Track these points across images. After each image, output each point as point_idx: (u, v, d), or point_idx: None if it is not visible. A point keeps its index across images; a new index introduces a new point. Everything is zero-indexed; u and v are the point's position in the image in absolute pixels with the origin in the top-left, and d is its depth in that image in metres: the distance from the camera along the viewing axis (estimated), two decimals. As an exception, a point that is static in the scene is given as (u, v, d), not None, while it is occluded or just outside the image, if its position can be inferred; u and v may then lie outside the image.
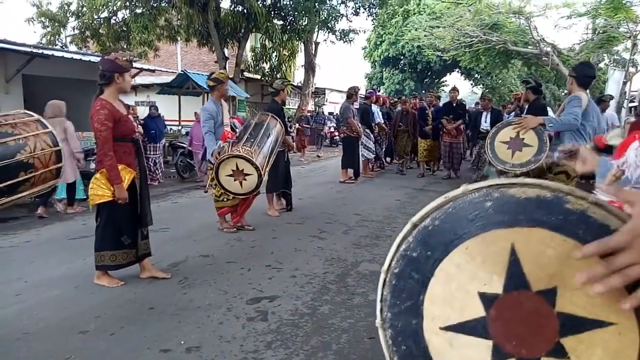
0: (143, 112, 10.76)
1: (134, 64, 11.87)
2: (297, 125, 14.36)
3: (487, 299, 0.84)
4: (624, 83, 14.54)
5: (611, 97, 9.69)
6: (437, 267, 0.89)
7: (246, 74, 17.08)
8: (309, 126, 16.07)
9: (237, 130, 5.30)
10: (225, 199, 5.02)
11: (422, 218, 0.91)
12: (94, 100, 3.35)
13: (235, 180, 4.63)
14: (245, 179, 4.61)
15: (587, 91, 3.99)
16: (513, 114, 10.69)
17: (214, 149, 4.75)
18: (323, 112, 18.37)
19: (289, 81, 7.02)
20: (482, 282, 0.84)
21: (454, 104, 9.67)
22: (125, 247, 3.50)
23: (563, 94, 26.81)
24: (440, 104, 10.73)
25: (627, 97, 15.25)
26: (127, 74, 3.43)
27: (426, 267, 0.90)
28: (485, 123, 8.66)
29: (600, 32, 11.86)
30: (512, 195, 0.83)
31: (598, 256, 0.72)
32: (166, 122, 10.56)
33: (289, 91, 6.53)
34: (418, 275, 0.90)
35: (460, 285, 0.86)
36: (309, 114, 17.34)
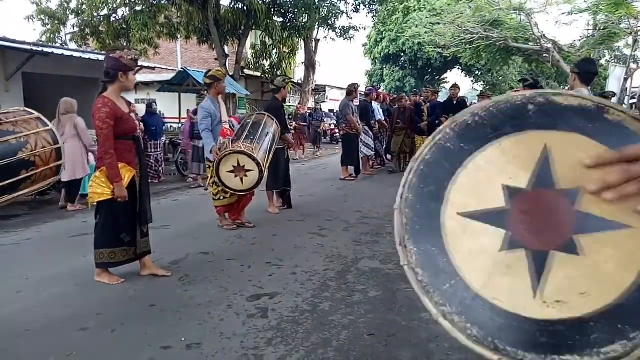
0: (143, 109, 10.76)
1: (134, 62, 11.89)
2: (294, 123, 14.25)
3: (510, 192, 0.86)
4: (625, 79, 14.51)
5: (613, 94, 9.66)
6: (468, 158, 0.91)
7: (246, 71, 17.06)
8: (306, 124, 15.94)
9: (235, 129, 5.30)
10: (222, 197, 5.02)
11: (464, 114, 0.94)
12: (96, 97, 3.35)
13: (236, 176, 4.64)
14: (246, 175, 4.62)
15: (589, 88, 3.99)
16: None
17: (213, 146, 4.75)
18: (320, 109, 17.83)
19: (290, 79, 7.06)
20: (508, 176, 0.87)
21: (455, 102, 9.31)
22: (125, 244, 3.50)
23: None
24: (439, 100, 10.52)
25: (628, 94, 15.23)
26: (131, 73, 3.42)
27: (458, 158, 0.92)
28: None
29: (601, 28, 11.84)
30: (555, 101, 0.86)
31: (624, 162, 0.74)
32: (166, 120, 10.56)
33: (290, 89, 6.54)
34: (448, 165, 0.93)
35: (487, 177, 0.89)
36: (306, 112, 17.07)
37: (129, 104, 3.62)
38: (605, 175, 0.75)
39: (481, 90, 8.37)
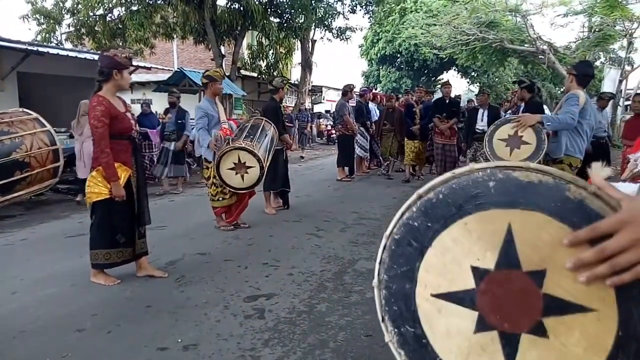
0: (139, 110, 10.72)
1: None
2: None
3: (478, 273, 0.87)
4: (620, 81, 14.61)
5: (612, 96, 9.63)
6: (435, 238, 0.92)
7: (243, 71, 17.04)
8: (291, 125, 15.63)
9: (234, 132, 5.31)
10: (221, 198, 5.01)
11: (428, 190, 0.94)
12: (91, 96, 3.33)
13: (236, 173, 4.65)
14: (247, 172, 4.63)
15: (585, 90, 4.01)
16: (510, 112, 10.71)
17: (209, 140, 4.75)
18: (306, 110, 17.04)
19: (288, 79, 7.07)
20: (475, 257, 0.88)
21: (447, 100, 8.49)
22: (120, 245, 3.48)
23: (559, 92, 26.90)
24: (432, 101, 9.63)
25: (622, 95, 15.33)
26: (125, 71, 3.40)
27: (425, 237, 0.93)
28: (481, 122, 7.55)
29: (597, 30, 11.91)
30: (516, 178, 0.86)
31: (588, 244, 0.75)
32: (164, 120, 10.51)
33: (287, 89, 6.56)
34: (416, 244, 0.94)
35: (455, 257, 0.90)
36: (292, 112, 16.44)
37: (125, 103, 3.60)
38: (579, 254, 0.75)
39: (480, 87, 7.86)
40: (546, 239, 0.81)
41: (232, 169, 4.65)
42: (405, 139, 8.98)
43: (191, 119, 6.86)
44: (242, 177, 4.66)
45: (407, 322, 0.95)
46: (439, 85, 31.77)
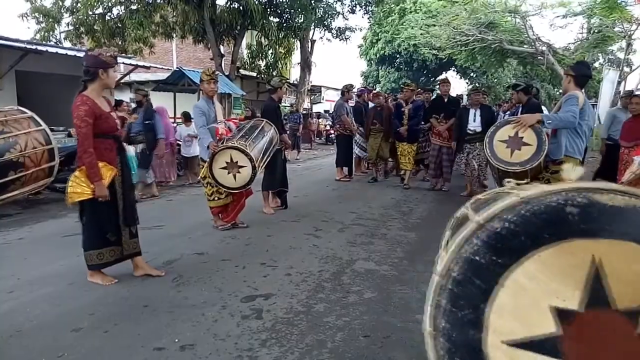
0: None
1: (130, 61, 11.84)
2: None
3: (561, 315, 0.76)
4: (619, 82, 14.62)
5: (631, 93, 9.01)
6: (505, 275, 0.80)
7: (242, 71, 17.03)
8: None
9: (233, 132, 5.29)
10: (216, 198, 5.00)
11: (491, 218, 0.82)
12: (76, 96, 3.28)
13: (229, 173, 4.63)
14: (239, 172, 4.61)
15: (583, 91, 4.01)
16: (509, 112, 10.69)
17: (210, 141, 4.75)
18: (297, 111, 15.85)
19: (287, 79, 7.06)
20: (557, 297, 0.76)
21: (446, 99, 7.80)
22: (112, 243, 3.47)
23: (558, 93, 26.93)
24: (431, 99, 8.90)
25: (621, 97, 15.33)
26: (111, 70, 3.37)
27: (493, 275, 0.80)
28: (473, 122, 6.97)
29: (595, 31, 11.92)
30: (598, 202, 0.74)
31: None
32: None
33: (286, 89, 6.55)
34: (482, 283, 0.81)
35: (532, 297, 0.78)
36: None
37: (110, 103, 3.57)
38: None
39: (475, 85, 6.84)
40: None
41: (224, 168, 4.64)
42: (396, 142, 8.33)
43: (174, 120, 6.53)
44: (235, 176, 4.64)
45: None
46: (438, 87, 31.90)
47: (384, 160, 8.89)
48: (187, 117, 9.07)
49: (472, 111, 7.04)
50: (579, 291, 0.74)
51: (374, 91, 9.54)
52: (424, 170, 9.18)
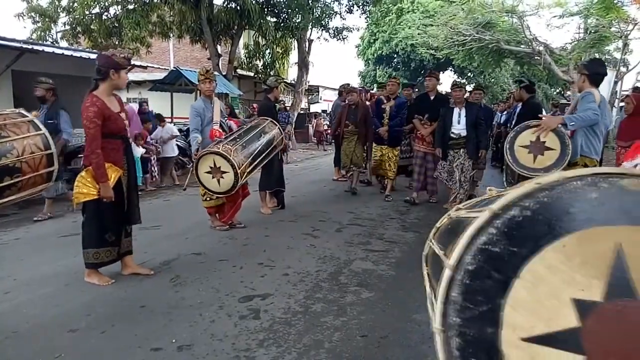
0: (136, 108, 10.68)
1: (126, 60, 11.79)
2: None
3: (583, 307, 0.72)
4: (615, 83, 14.66)
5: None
6: (523, 266, 0.75)
7: (239, 71, 17.00)
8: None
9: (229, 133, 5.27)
10: (208, 199, 5.00)
11: (507, 206, 0.77)
12: (87, 95, 3.32)
13: (213, 177, 4.60)
14: (222, 177, 4.57)
15: (597, 89, 3.90)
16: (505, 112, 10.70)
17: (196, 145, 4.75)
18: (285, 110, 15.32)
19: (283, 79, 7.02)
20: (578, 287, 0.72)
21: (432, 97, 6.49)
22: (109, 244, 3.47)
23: (555, 93, 27.00)
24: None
25: (618, 97, 15.38)
26: (122, 71, 3.39)
27: (510, 266, 0.76)
28: (458, 124, 5.85)
29: (592, 31, 11.95)
30: (623, 187, 0.71)
31: None
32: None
33: (283, 89, 6.53)
34: (499, 275, 0.76)
35: (552, 289, 0.73)
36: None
37: (121, 102, 3.58)
38: None
39: (454, 81, 5.44)
40: None
41: (208, 172, 4.60)
42: (374, 144, 7.12)
43: (172, 120, 6.41)
44: (219, 181, 4.59)
45: None
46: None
47: (359, 168, 7.40)
48: (160, 118, 9.02)
49: (456, 111, 5.88)
50: (601, 281, 0.71)
51: (349, 86, 8.14)
52: (409, 178, 7.80)
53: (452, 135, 5.87)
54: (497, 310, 0.75)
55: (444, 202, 6.36)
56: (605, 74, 4.11)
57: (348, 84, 9.18)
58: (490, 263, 0.76)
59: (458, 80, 5.22)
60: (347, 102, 7.31)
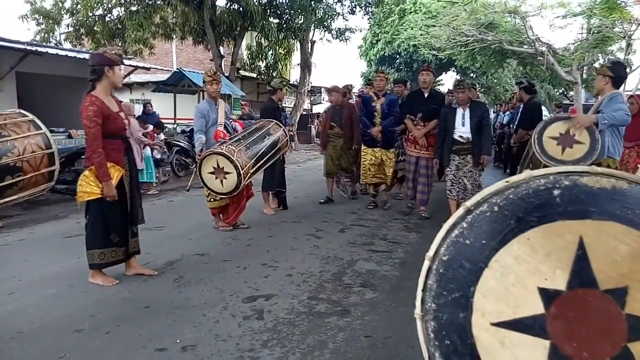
0: (138, 110, 10.72)
1: (130, 62, 11.83)
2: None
3: (547, 296, 0.77)
4: (619, 83, 14.57)
5: None
6: (492, 257, 0.81)
7: (242, 72, 17.02)
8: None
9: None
10: (213, 199, 5.01)
11: (479, 203, 0.83)
12: (84, 96, 3.32)
13: (216, 178, 4.61)
14: (225, 177, 4.58)
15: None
16: (508, 113, 10.68)
17: (200, 146, 4.77)
18: (283, 109, 13.31)
19: (287, 81, 6.98)
20: (543, 277, 0.77)
21: (426, 95, 5.73)
22: (114, 244, 3.48)
23: (558, 93, 26.93)
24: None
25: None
26: (117, 68, 3.38)
27: (480, 257, 0.81)
28: (462, 127, 5.17)
29: (595, 32, 11.90)
30: (585, 184, 0.75)
31: None
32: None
33: (286, 90, 6.51)
34: (470, 265, 0.82)
35: (518, 278, 0.78)
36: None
37: (119, 103, 3.58)
38: None
39: (457, 80, 4.83)
40: (625, 252, 0.71)
41: (212, 173, 4.61)
42: (362, 147, 6.27)
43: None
44: (222, 182, 4.60)
45: (464, 358, 0.81)
46: (438, 87, 31.97)
47: (349, 173, 6.88)
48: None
49: (459, 112, 5.20)
50: (565, 271, 0.75)
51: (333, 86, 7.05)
52: (397, 185, 7.12)
53: (457, 139, 5.19)
54: (468, 297, 0.81)
55: (438, 215, 5.81)
56: (627, 77, 4.11)
57: (351, 85, 9.04)
58: (462, 254, 0.82)
59: (462, 78, 4.92)
60: (332, 104, 6.72)
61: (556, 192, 0.77)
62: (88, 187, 3.26)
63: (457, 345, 0.81)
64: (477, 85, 27.33)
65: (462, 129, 5.18)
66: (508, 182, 0.82)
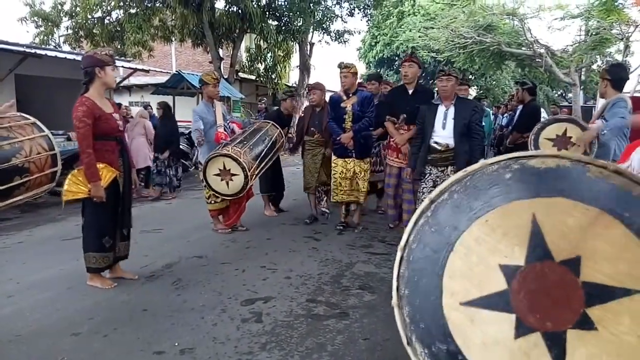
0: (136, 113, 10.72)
1: (129, 64, 11.85)
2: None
3: (508, 271, 0.82)
4: (617, 84, 14.59)
5: None
6: (456, 241, 0.86)
7: (241, 74, 17.04)
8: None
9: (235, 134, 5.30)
10: (213, 201, 5.01)
11: (440, 193, 0.90)
12: (78, 98, 3.31)
13: (222, 179, 4.62)
14: (231, 179, 4.59)
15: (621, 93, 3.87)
16: (506, 115, 10.70)
17: (198, 135, 4.81)
18: (266, 110, 12.33)
19: (291, 92, 6.85)
20: (503, 255, 0.82)
21: (410, 92, 4.61)
22: (106, 249, 3.45)
23: (557, 95, 26.99)
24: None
25: (619, 99, 15.33)
26: (108, 68, 3.36)
27: (445, 242, 0.87)
28: (442, 130, 3.99)
29: (593, 34, 11.93)
30: (532, 166, 0.82)
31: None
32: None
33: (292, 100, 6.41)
34: (437, 250, 0.87)
35: (481, 258, 0.84)
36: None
37: (114, 105, 3.58)
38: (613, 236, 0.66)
39: (441, 67, 4.03)
40: (574, 224, 0.76)
41: (217, 175, 4.62)
42: (333, 157, 5.12)
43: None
44: (227, 183, 4.61)
45: (438, 339, 0.85)
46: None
47: (327, 186, 5.50)
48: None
49: (441, 110, 4.03)
50: (522, 247, 0.80)
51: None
52: (378, 199, 6.28)
53: (434, 145, 4.00)
54: (437, 280, 0.85)
55: None
56: (628, 78, 4.06)
57: None
58: (429, 241, 0.87)
59: (445, 68, 4.07)
60: (310, 103, 5.62)
61: (507, 175, 0.83)
62: (74, 187, 3.23)
63: (431, 327, 0.85)
64: (476, 87, 27.40)
65: (442, 133, 3.99)
66: (466, 171, 0.87)
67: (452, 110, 4.02)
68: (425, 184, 4.06)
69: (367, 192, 5.30)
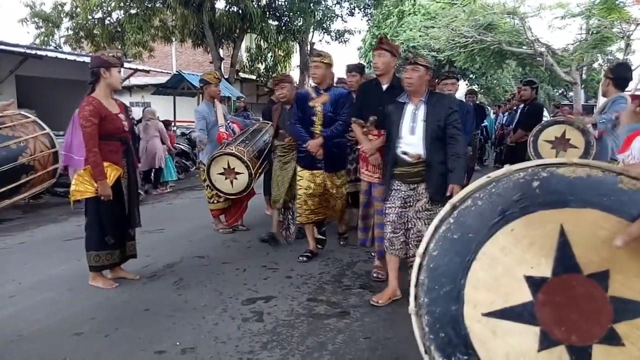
0: (138, 113, 10.73)
1: (129, 65, 11.85)
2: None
3: (534, 283, 0.79)
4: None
5: None
6: (479, 249, 0.84)
7: (241, 74, 17.06)
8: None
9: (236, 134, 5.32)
10: (215, 201, 5.01)
11: (463, 199, 0.86)
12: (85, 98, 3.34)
13: (226, 178, 4.63)
14: (236, 178, 4.60)
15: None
16: (507, 114, 10.69)
17: (202, 135, 4.84)
18: (245, 109, 10.78)
19: (281, 79, 6.88)
20: (529, 266, 0.80)
21: (385, 87, 3.50)
22: (109, 247, 3.47)
23: (557, 94, 26.96)
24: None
25: (620, 97, 15.31)
26: (114, 69, 3.38)
27: (468, 250, 0.84)
28: (411, 135, 3.05)
29: (594, 32, 11.92)
30: (562, 175, 0.79)
31: None
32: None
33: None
34: (459, 258, 0.85)
35: (506, 269, 0.81)
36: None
37: (120, 105, 3.58)
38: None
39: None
40: (604, 237, 0.74)
41: (221, 173, 4.63)
42: (298, 168, 4.14)
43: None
44: (232, 182, 4.62)
45: (459, 349, 0.83)
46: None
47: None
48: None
49: (409, 109, 3.09)
50: (549, 259, 0.78)
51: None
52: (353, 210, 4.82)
53: (402, 156, 3.07)
54: (459, 290, 0.83)
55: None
56: (631, 79, 4.03)
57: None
58: (451, 248, 0.85)
59: (413, 52, 3.41)
60: (278, 99, 4.73)
61: (535, 183, 0.80)
62: (82, 186, 3.25)
63: (452, 336, 0.84)
64: (477, 86, 27.35)
65: (411, 140, 3.04)
66: (490, 177, 0.85)
67: (422, 109, 3.05)
68: (392, 204, 3.11)
69: (345, 207, 4.42)
